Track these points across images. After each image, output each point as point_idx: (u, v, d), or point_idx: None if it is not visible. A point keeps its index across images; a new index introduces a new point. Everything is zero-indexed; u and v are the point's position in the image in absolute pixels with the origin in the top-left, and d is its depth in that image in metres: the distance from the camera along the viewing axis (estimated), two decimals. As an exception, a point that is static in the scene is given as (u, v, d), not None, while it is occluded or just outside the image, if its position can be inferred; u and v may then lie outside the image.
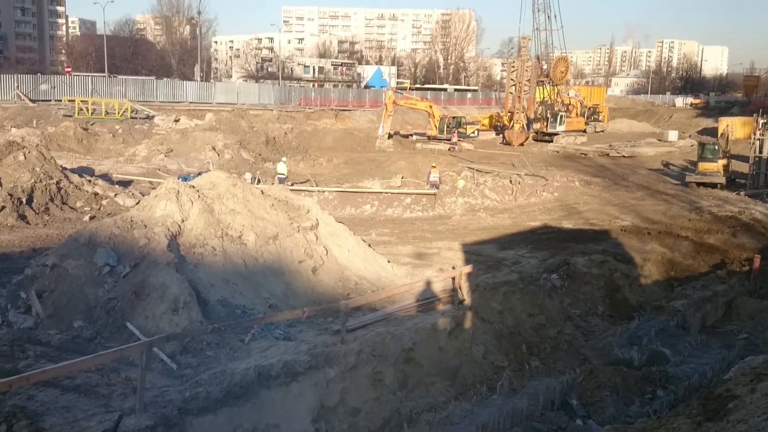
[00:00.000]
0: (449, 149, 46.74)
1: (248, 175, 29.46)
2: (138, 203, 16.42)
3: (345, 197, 27.18)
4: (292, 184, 28.69)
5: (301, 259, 14.05)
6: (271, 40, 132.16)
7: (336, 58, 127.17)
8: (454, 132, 49.42)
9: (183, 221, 13.05)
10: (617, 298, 17.21)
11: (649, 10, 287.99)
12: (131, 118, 45.61)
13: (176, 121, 46.17)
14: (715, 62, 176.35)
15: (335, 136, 51.91)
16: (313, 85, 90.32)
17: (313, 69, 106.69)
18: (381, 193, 27.70)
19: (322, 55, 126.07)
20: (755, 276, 18.84)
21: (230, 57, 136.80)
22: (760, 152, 32.53)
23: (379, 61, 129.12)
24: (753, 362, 8.48)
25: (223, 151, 37.68)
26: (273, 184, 26.75)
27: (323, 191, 27.56)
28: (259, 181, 28.51)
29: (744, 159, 35.32)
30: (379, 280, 15.36)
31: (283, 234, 14.13)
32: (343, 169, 38.27)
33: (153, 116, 47.19)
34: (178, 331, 10.54)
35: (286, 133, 49.35)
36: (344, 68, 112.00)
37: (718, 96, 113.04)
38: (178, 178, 19.70)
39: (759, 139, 32.60)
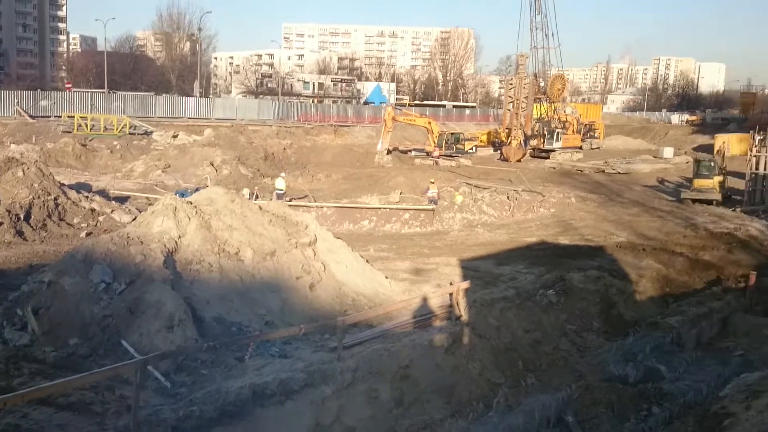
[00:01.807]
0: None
1: (246, 191, 29.56)
2: (135, 219, 16.49)
3: (343, 213, 27.28)
4: (290, 200, 28.80)
5: (299, 276, 14.08)
6: (271, 56, 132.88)
7: (336, 74, 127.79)
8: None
9: (180, 237, 13.09)
10: (612, 314, 17.20)
11: (646, 28, 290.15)
12: (129, 133, 45.78)
13: (174, 136, 46.36)
14: (712, 79, 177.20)
15: (334, 152, 52.08)
16: (313, 101, 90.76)
17: (313, 85, 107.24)
18: (379, 208, 27.81)
19: (322, 71, 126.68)
20: (751, 293, 18.80)
21: (230, 73, 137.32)
22: (757, 169, 32.68)
23: (379, 78, 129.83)
24: (748, 379, 8.51)
25: (221, 167, 37.80)
26: (271, 199, 26.84)
27: (322, 207, 27.67)
28: (257, 197, 28.61)
29: (740, 175, 35.44)
30: (377, 296, 15.38)
31: (280, 250, 14.17)
32: (342, 184, 38.37)
33: (151, 132, 47.37)
34: (173, 348, 10.52)
35: (285, 148, 49.56)
36: (344, 84, 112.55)
37: (714, 113, 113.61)
38: (176, 194, 19.78)
39: (755, 156, 32.75)
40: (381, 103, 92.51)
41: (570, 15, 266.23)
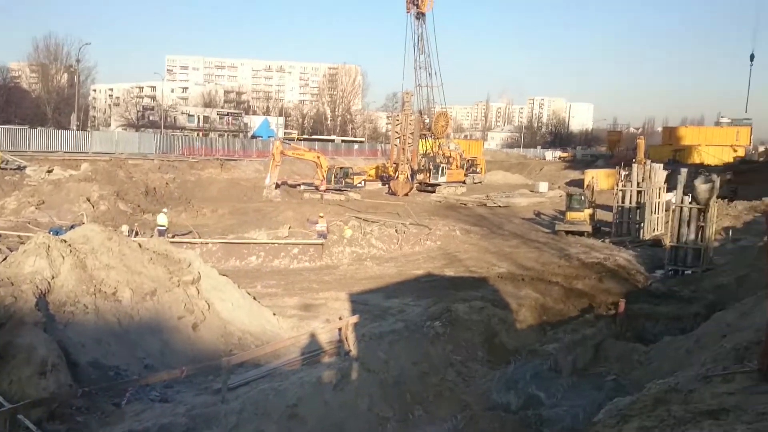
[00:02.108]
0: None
1: (125, 228, 28.31)
2: (5, 259, 15.37)
3: (230, 249, 26.69)
4: (172, 236, 27.84)
5: (181, 315, 13.62)
6: (153, 88, 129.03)
7: (222, 107, 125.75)
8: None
9: (53, 278, 12.36)
10: (495, 343, 17.77)
11: (522, 69, 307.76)
12: (1, 168, 42.74)
13: (49, 171, 43.69)
14: (581, 118, 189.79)
15: (220, 186, 51.06)
16: (198, 135, 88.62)
17: (198, 118, 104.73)
18: (267, 243, 27.45)
19: (208, 104, 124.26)
20: (621, 319, 19.82)
21: (109, 105, 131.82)
22: (623, 202, 35.22)
23: (267, 112, 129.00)
24: (620, 404, 8.92)
25: (98, 203, 36.04)
26: (152, 236, 25.85)
27: (206, 243, 26.93)
28: (137, 234, 27.47)
29: (608, 208, 38.01)
30: (264, 333, 15.13)
31: (161, 289, 13.68)
32: (229, 219, 37.59)
33: (24, 167, 44.42)
34: (46, 395, 9.90)
35: (167, 183, 47.91)
36: (230, 118, 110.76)
37: (584, 150, 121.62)
38: (49, 232, 18.71)
39: (621, 190, 35.32)
40: (269, 137, 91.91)
41: (452, 55, 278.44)
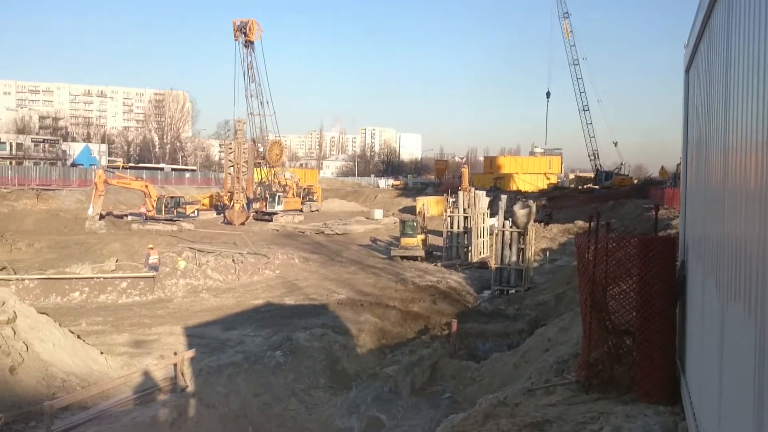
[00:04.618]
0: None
1: None
2: None
3: (49, 285, 24.56)
4: (-19, 274, 25.16)
5: (-5, 359, 12.34)
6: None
7: (37, 134, 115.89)
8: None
9: None
10: (337, 368, 17.93)
11: (354, 99, 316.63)
12: None
13: None
14: (411, 147, 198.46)
15: (37, 218, 46.97)
16: (10, 163, 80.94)
17: (10, 145, 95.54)
18: (92, 278, 25.60)
19: (21, 130, 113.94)
20: (454, 339, 20.80)
21: None
22: (452, 227, 37.19)
23: (88, 138, 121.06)
24: (454, 420, 9.28)
25: None
26: (-44, 274, 23.18)
27: (23, 279, 24.59)
28: (-63, 272, 24.47)
29: (439, 233, 39.92)
30: (91, 374, 14.11)
31: (-30, 332, 12.31)
32: (48, 254, 34.60)
33: None
34: None
35: (-27, 215, 43.25)
36: (47, 145, 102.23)
37: (415, 178, 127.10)
38: None
39: (450, 216, 37.30)
40: (91, 165, 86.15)
41: (284, 84, 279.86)
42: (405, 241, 36.84)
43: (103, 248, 34.99)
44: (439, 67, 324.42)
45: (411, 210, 63.58)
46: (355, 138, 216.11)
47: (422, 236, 37.15)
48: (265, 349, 17.32)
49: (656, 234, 9.54)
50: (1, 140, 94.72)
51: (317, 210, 69.40)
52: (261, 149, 62.18)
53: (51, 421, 10.45)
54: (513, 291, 28.07)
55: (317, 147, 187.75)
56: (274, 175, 63.74)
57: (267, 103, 60.84)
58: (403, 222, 38.78)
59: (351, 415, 14.96)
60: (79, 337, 15.83)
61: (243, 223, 52.94)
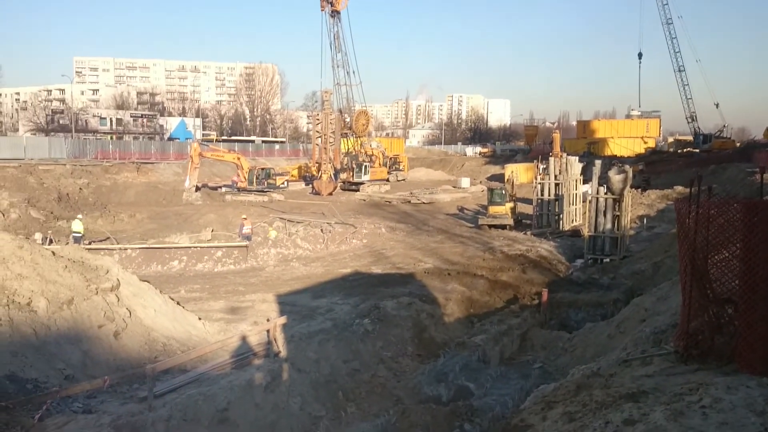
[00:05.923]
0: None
1: (38, 236, 26.98)
2: None
3: (150, 254, 25.83)
4: (89, 243, 26.75)
5: (101, 324, 13.06)
6: (62, 91, 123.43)
7: (135, 109, 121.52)
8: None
9: (-41, 291, 11.61)
10: (424, 337, 17.97)
11: (440, 66, 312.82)
12: None
13: (-48, 179, 41.10)
14: (499, 114, 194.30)
15: (138, 190, 49.38)
16: (111, 138, 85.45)
17: (111, 121, 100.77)
18: (190, 247, 26.72)
19: (120, 106, 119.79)
20: (544, 309, 20.48)
21: (17, 110, 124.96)
22: (542, 195, 36.32)
23: (183, 113, 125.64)
24: (545, 390, 9.10)
25: (8, 211, 34.17)
26: (68, 243, 24.72)
27: (125, 249, 25.96)
28: (51, 242, 26.19)
29: (528, 201, 39.12)
30: (190, 339, 14.73)
31: (79, 298, 13.07)
32: (148, 224, 36.41)
33: None
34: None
35: (81, 188, 45.92)
36: (145, 120, 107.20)
37: (503, 145, 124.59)
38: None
39: (540, 183, 36.40)
40: (186, 138, 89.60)
41: (370, 53, 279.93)
42: (493, 209, 36.29)
43: (199, 219, 36.41)
44: (527, 29, 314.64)
45: (499, 178, 62.56)
46: (441, 106, 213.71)
47: (511, 204, 36.50)
48: (354, 317, 17.55)
49: (762, 198, 8.86)
50: (102, 116, 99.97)
51: (404, 179, 69.39)
52: (348, 119, 62.59)
53: (153, 383, 10.97)
54: (607, 260, 27.18)
55: (403, 116, 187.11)
56: (361, 145, 64.12)
57: (353, 73, 61.21)
58: (491, 190, 38.18)
59: (439, 383, 14.96)
60: (178, 303, 16.49)
61: (331, 194, 53.70)
